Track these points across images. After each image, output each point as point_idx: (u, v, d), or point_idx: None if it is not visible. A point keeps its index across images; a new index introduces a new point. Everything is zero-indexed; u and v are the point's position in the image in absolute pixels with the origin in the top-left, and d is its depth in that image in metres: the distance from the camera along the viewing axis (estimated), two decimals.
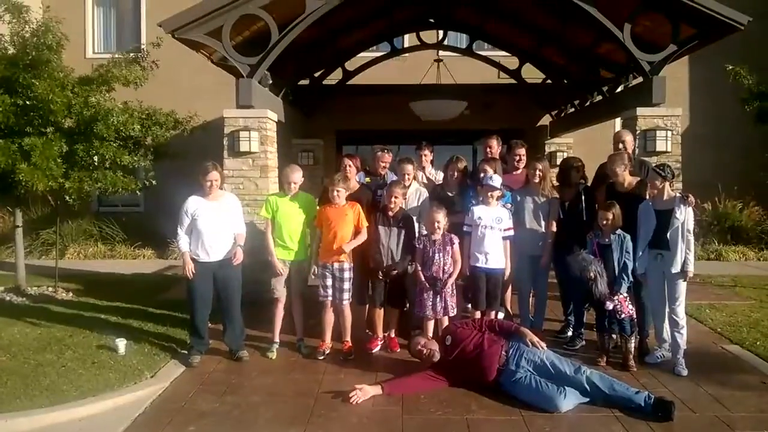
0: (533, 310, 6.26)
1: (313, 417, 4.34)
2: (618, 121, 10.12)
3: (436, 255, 5.46)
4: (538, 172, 5.98)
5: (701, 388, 4.82)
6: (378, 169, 6.59)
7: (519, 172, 6.56)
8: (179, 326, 6.36)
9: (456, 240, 5.54)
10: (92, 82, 7.79)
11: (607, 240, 5.35)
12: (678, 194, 5.28)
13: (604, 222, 5.34)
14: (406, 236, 5.66)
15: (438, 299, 5.48)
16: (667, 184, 5.24)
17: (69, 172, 7.41)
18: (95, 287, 8.54)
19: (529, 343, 4.82)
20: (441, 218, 5.46)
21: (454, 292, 5.61)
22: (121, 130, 7.63)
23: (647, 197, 5.48)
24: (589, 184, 6.25)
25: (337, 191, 5.53)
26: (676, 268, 5.14)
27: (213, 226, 5.45)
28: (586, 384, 4.48)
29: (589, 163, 6.37)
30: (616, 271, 5.29)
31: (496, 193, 5.71)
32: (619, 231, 5.35)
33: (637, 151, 7.25)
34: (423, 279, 5.47)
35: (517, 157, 6.59)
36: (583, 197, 5.91)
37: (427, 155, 7.00)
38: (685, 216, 5.14)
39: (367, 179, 6.60)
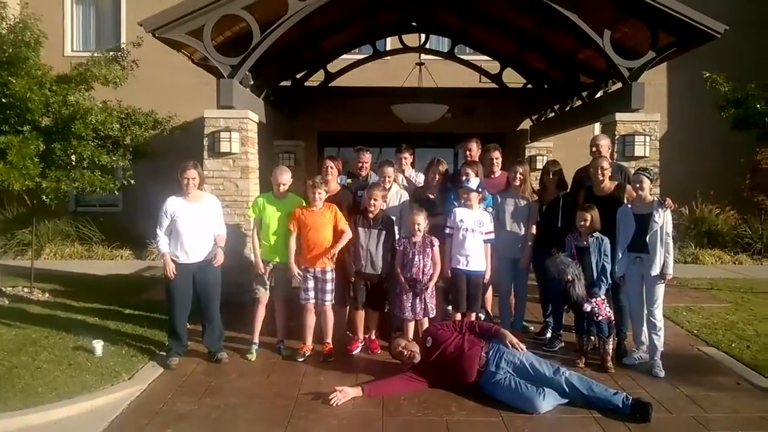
0: (513, 312, 6.30)
1: (292, 419, 4.31)
2: (597, 125, 10.24)
3: (416, 257, 5.47)
4: (518, 176, 6.04)
5: (678, 389, 4.89)
6: (357, 170, 6.60)
7: (497, 175, 6.60)
8: (157, 327, 6.29)
9: (436, 242, 5.56)
10: (71, 81, 7.69)
11: (585, 243, 5.40)
12: (656, 198, 5.36)
13: (581, 224, 5.39)
14: (386, 238, 5.67)
15: (417, 301, 5.49)
16: (651, 186, 5.34)
17: (46, 172, 7.29)
18: (72, 288, 8.42)
19: (509, 345, 4.85)
20: (421, 220, 5.47)
21: (434, 293, 5.62)
22: (100, 129, 7.53)
23: (625, 201, 5.55)
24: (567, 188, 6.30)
25: (318, 194, 5.49)
26: (655, 271, 5.21)
27: (193, 227, 5.41)
28: (565, 385, 4.52)
29: (567, 167, 6.42)
30: (594, 274, 5.34)
31: (475, 196, 5.73)
32: (597, 234, 5.41)
33: (615, 155, 7.33)
34: (403, 281, 5.48)
35: (490, 161, 6.62)
36: (561, 201, 5.96)
37: (407, 158, 7.02)
38: (664, 219, 5.21)
39: (349, 181, 6.59)
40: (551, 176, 6.12)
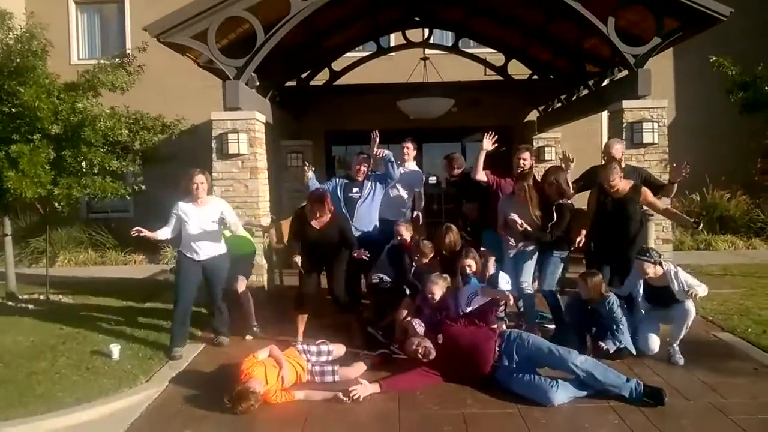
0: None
1: (310, 417, 4.34)
2: (605, 114, 10.20)
3: (430, 318, 5.45)
4: (523, 193, 5.79)
5: (695, 375, 4.87)
6: (354, 173, 6.69)
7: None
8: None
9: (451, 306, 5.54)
10: (78, 88, 7.74)
11: (593, 305, 5.38)
12: (668, 269, 5.25)
13: (586, 294, 5.37)
14: None
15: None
16: (658, 267, 5.24)
17: (57, 179, 7.35)
18: (87, 293, 8.48)
19: (500, 300, 5.17)
20: (436, 291, 5.48)
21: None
22: (109, 135, 7.58)
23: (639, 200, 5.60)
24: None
25: None
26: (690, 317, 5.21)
27: (201, 230, 5.66)
28: (581, 368, 4.47)
29: (576, 156, 6.37)
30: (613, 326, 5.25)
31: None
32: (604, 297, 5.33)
33: (625, 143, 7.23)
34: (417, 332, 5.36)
35: (520, 161, 6.41)
36: (555, 214, 5.74)
37: (409, 148, 7.06)
38: (682, 282, 5.17)
39: (346, 181, 6.75)
40: (551, 186, 5.81)
